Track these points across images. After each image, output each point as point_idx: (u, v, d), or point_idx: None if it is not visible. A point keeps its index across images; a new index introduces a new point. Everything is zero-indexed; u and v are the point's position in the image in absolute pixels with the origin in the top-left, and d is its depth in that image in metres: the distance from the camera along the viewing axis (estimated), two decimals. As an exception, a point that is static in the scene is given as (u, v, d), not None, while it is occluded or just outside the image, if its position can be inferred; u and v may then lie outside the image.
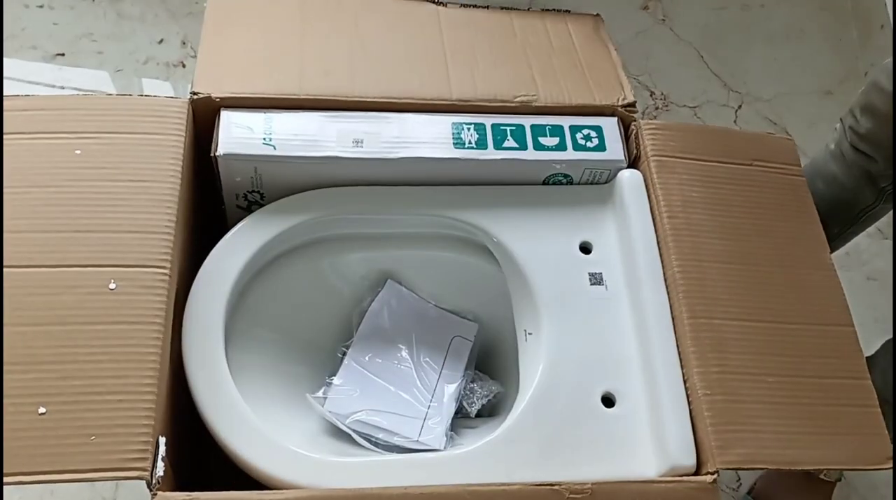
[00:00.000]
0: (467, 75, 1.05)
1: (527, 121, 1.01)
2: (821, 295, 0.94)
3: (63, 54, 1.65)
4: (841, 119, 1.21)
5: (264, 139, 0.93)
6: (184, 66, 1.67)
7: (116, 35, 1.69)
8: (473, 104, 1.02)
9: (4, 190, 0.84)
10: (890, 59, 1.10)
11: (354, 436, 0.92)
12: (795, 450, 0.84)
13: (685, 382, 0.86)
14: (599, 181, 1.03)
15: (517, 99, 1.03)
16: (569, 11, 1.18)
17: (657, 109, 1.80)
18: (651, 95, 1.82)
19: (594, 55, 1.12)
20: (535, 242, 0.97)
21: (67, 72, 1.64)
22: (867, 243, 1.67)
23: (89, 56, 1.66)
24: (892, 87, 1.08)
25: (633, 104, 1.04)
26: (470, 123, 1.00)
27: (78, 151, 0.88)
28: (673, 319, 0.90)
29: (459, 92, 1.03)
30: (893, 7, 1.79)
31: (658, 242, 0.95)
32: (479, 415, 1.00)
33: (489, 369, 1.05)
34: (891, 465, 0.85)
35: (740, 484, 1.38)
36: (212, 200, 0.99)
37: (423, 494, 0.76)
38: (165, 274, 0.81)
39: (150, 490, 0.71)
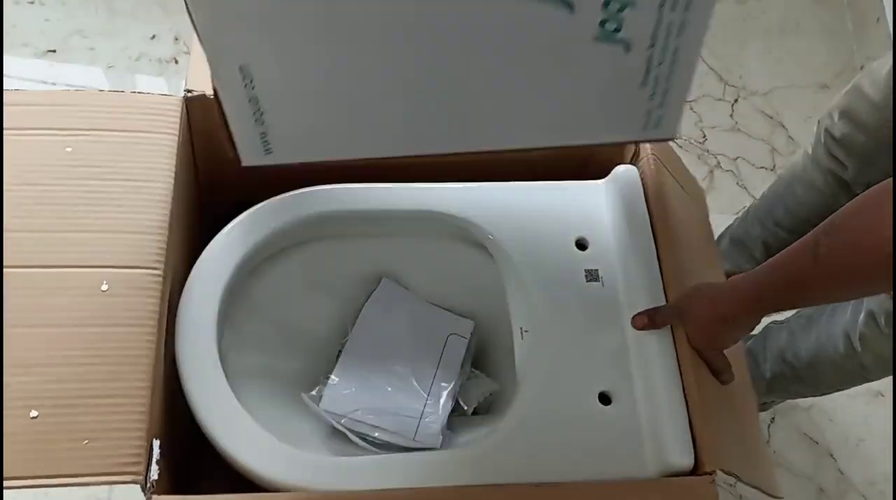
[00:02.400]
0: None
1: None
2: None
3: (54, 51, 1.64)
4: (819, 121, 1.20)
5: None
6: (177, 62, 1.66)
7: (108, 31, 1.68)
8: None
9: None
10: (876, 64, 1.08)
11: (350, 435, 0.92)
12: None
13: (684, 383, 0.86)
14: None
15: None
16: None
17: (653, 103, 1.79)
18: (646, 90, 1.81)
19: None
20: (530, 238, 0.96)
21: (59, 69, 1.62)
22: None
23: (81, 52, 1.65)
24: (874, 94, 1.07)
25: None
26: None
27: (69, 149, 0.87)
28: (671, 318, 0.90)
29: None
30: (893, 10, 1.78)
31: (656, 240, 0.94)
32: (475, 413, 0.99)
33: (485, 367, 1.05)
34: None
35: (737, 479, 1.37)
36: (207, 199, 0.99)
37: (420, 496, 0.76)
38: (159, 275, 0.81)
39: (145, 494, 0.70)
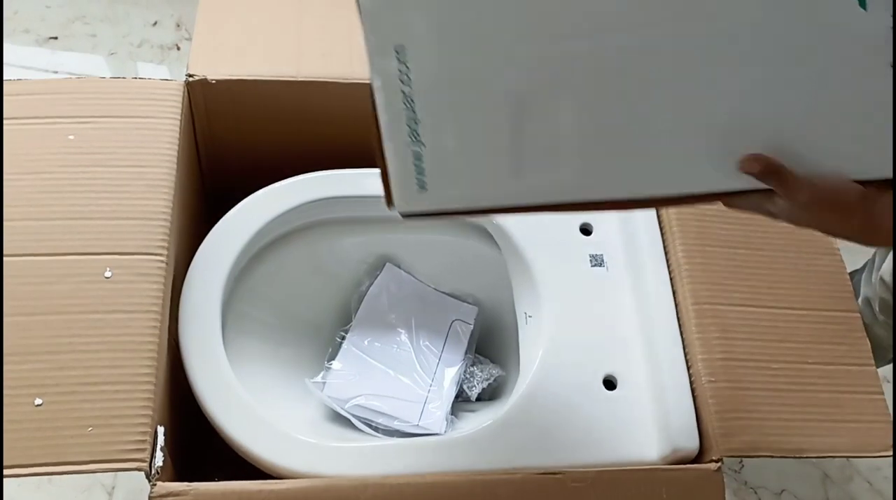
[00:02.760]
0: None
1: None
2: (826, 280, 0.93)
3: (56, 38, 1.64)
4: None
5: None
6: (178, 48, 1.66)
7: (110, 18, 1.67)
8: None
9: (-3, 177, 0.83)
10: None
11: (354, 421, 0.92)
12: (800, 437, 0.83)
13: (689, 368, 0.86)
14: None
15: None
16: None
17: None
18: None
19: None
20: (534, 223, 0.96)
21: (61, 55, 1.62)
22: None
23: (83, 39, 1.64)
24: None
25: None
26: None
27: (71, 136, 0.87)
28: (677, 304, 0.89)
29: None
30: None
31: (661, 226, 0.94)
32: (479, 399, 0.99)
33: (489, 352, 1.05)
34: (892, 453, 0.85)
35: (742, 466, 1.38)
36: (209, 184, 0.98)
37: (425, 483, 0.75)
38: (162, 261, 0.80)
39: (150, 481, 0.70)
